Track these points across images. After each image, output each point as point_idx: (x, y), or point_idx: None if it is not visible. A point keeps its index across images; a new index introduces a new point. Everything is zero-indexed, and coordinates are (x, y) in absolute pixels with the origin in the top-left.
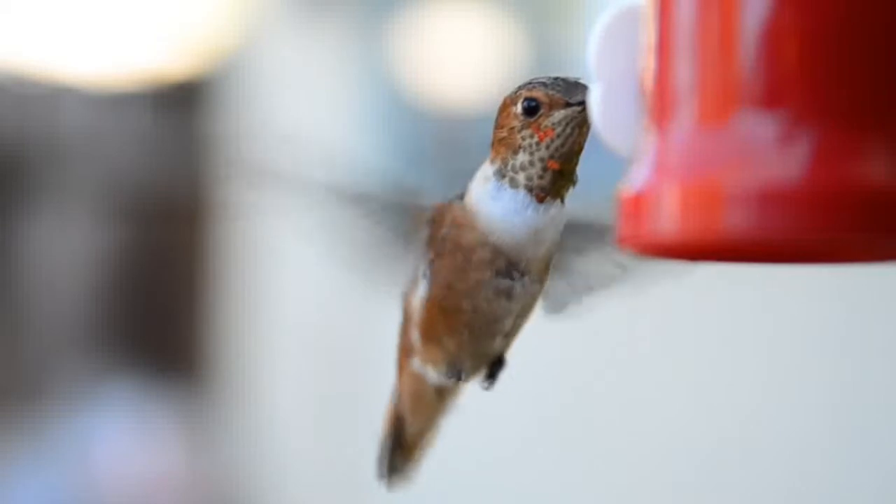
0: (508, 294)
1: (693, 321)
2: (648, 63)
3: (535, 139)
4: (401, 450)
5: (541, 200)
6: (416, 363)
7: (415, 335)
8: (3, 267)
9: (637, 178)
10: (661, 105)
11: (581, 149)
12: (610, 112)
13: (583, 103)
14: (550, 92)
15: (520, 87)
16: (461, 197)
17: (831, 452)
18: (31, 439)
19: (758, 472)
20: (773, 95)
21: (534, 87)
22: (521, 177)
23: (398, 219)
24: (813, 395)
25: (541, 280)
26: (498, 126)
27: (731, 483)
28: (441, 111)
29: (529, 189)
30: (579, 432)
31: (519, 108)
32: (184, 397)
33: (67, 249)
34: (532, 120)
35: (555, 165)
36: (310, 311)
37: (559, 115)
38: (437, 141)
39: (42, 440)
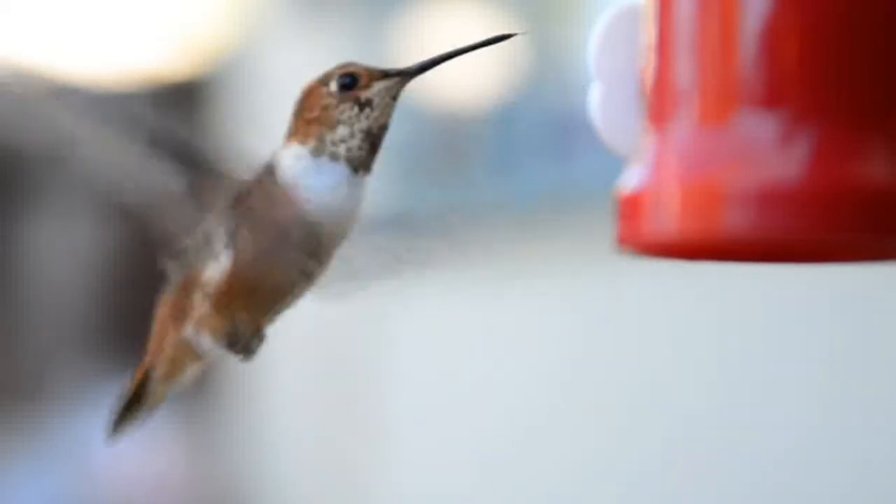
0: (308, 273)
1: (692, 320)
2: (648, 63)
3: (355, 111)
4: (137, 405)
5: (356, 173)
6: (190, 330)
7: (201, 304)
8: (3, 267)
9: (636, 177)
10: (660, 105)
11: (388, 124)
12: (610, 112)
13: (399, 74)
14: (366, 67)
15: (330, 70)
16: (269, 173)
17: (830, 452)
18: (31, 439)
19: (757, 471)
20: (773, 95)
21: (347, 65)
22: (341, 149)
23: (198, 183)
24: (812, 393)
25: (328, 261)
26: (305, 108)
27: (730, 482)
28: (441, 111)
29: (349, 161)
30: (573, 430)
31: (334, 85)
32: (183, 398)
33: (67, 249)
34: (350, 93)
35: (373, 137)
36: (309, 311)
37: (379, 85)
38: (437, 141)
39: (42, 440)
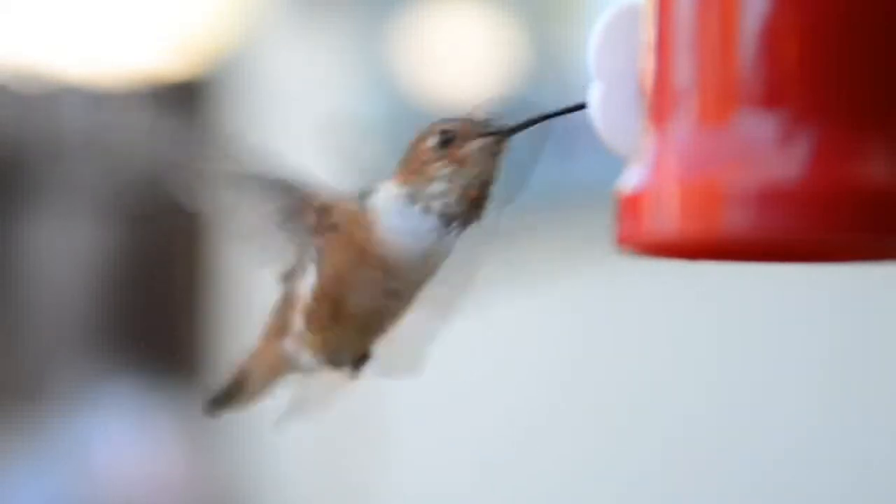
0: (397, 296)
1: (691, 320)
2: (648, 62)
3: (452, 168)
4: (229, 402)
5: (447, 227)
6: (289, 345)
7: (297, 319)
8: (3, 267)
9: (636, 177)
10: (660, 105)
11: (495, 178)
12: (609, 112)
13: (495, 133)
14: (464, 123)
15: (433, 124)
16: (361, 197)
17: (830, 452)
18: (31, 439)
19: (757, 471)
20: (772, 95)
21: (445, 122)
22: (436, 204)
23: (286, 201)
24: (812, 393)
25: (423, 286)
26: (409, 158)
27: (730, 482)
28: (441, 111)
29: (443, 215)
30: (573, 430)
31: (434, 141)
32: (184, 398)
33: (67, 249)
34: (447, 151)
35: (472, 193)
36: None
37: (476, 143)
38: None
39: (42, 440)
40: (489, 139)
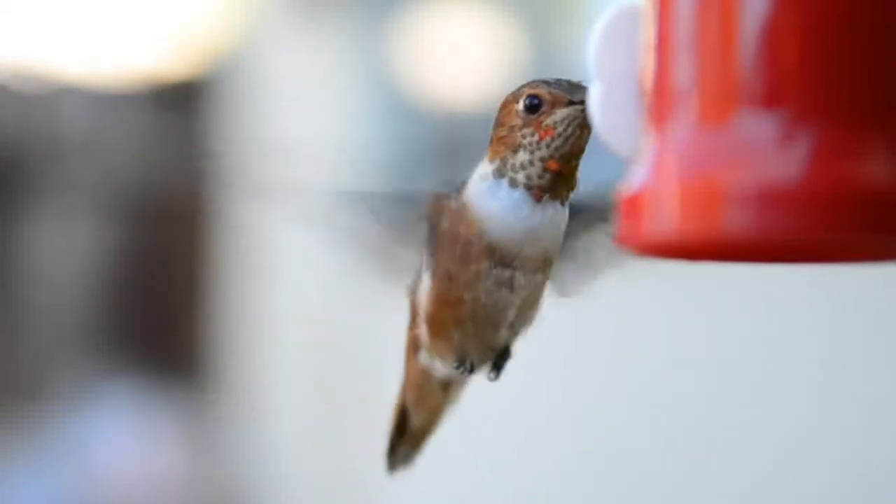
0: (510, 285)
1: (691, 320)
2: (648, 63)
3: (536, 137)
4: (403, 440)
5: (538, 200)
6: (424, 356)
7: (422, 328)
8: (3, 267)
9: (636, 177)
10: (660, 105)
11: (582, 150)
12: (609, 112)
13: (584, 102)
14: (553, 90)
15: (523, 86)
16: (458, 191)
17: (830, 452)
18: (31, 439)
19: (757, 471)
20: (772, 95)
21: (537, 84)
22: (520, 176)
23: (396, 214)
24: (812, 393)
25: (544, 271)
26: (498, 124)
27: (731, 482)
28: (441, 111)
29: (528, 188)
30: (575, 429)
31: (521, 105)
32: (184, 397)
33: (67, 249)
34: (534, 117)
35: (554, 166)
36: (310, 311)
37: (561, 113)
38: (438, 140)
39: (42, 440)
40: (576, 108)
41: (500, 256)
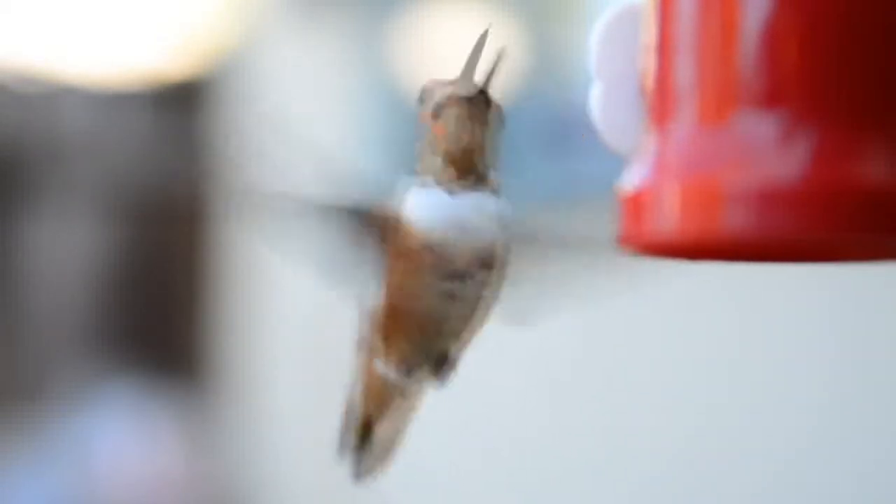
0: (451, 296)
1: (692, 320)
2: (648, 63)
3: (433, 134)
4: (368, 452)
5: (451, 194)
6: (380, 365)
7: (375, 336)
8: (3, 266)
9: (637, 177)
10: (661, 105)
11: (478, 143)
12: (610, 112)
13: (468, 96)
14: (444, 88)
15: (420, 88)
16: (400, 199)
17: (829, 450)
18: (31, 439)
19: (764, 470)
20: (772, 95)
21: (430, 83)
22: (429, 178)
23: (353, 225)
24: (811, 393)
25: (486, 282)
26: (417, 126)
27: (732, 481)
28: None
29: (439, 184)
30: (579, 426)
31: (422, 105)
32: (183, 397)
33: (67, 249)
34: (426, 113)
35: (453, 160)
36: (309, 311)
37: (452, 109)
38: None
39: (42, 440)
40: (463, 102)
41: (444, 266)
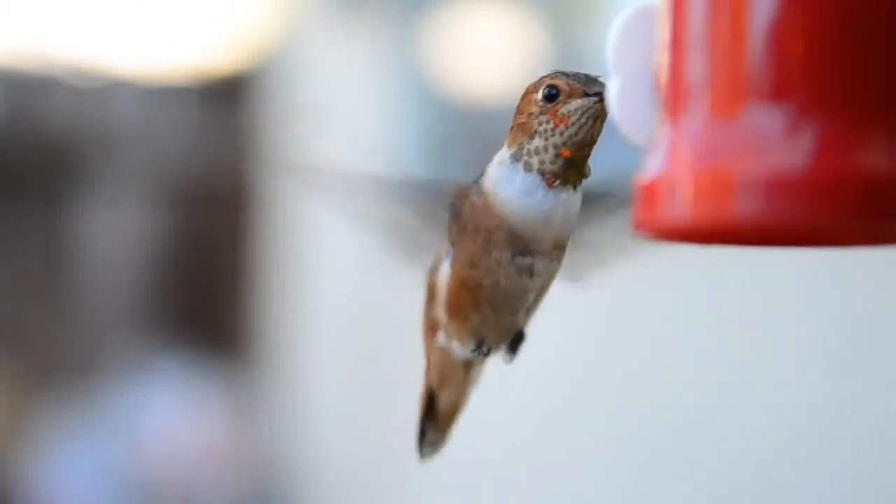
0: (529, 271)
1: (697, 310)
2: (663, 59)
3: (551, 125)
4: (432, 423)
5: (551, 185)
6: (442, 338)
7: (440, 311)
8: (60, 250)
9: (652, 166)
10: (674, 98)
11: (594, 140)
12: (627, 105)
13: (599, 95)
14: (571, 81)
15: (543, 76)
16: (478, 181)
17: (831, 445)
18: (86, 412)
19: (765, 464)
20: (780, 89)
21: (556, 76)
22: (534, 160)
23: (421, 202)
24: (815, 384)
25: (559, 258)
26: (518, 112)
27: (734, 481)
28: (469, 103)
29: (541, 173)
30: (594, 415)
31: (540, 94)
32: (228, 373)
33: (120, 233)
34: (550, 106)
35: (567, 153)
36: (347, 290)
37: (576, 103)
38: (466, 131)
39: (95, 413)
40: (592, 100)
41: (520, 243)
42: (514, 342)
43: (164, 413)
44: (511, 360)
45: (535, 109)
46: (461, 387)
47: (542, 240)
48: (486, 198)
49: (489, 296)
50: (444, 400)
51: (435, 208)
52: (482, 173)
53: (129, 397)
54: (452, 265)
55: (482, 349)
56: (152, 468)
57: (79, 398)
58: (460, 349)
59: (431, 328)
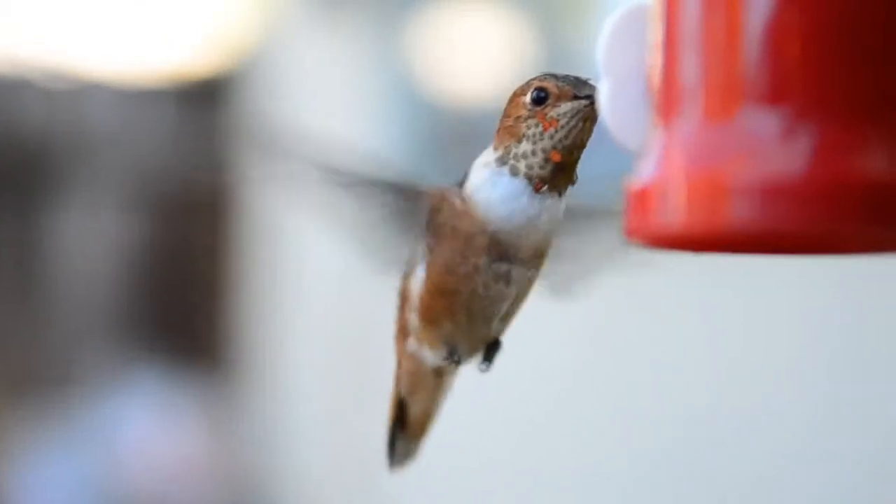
0: (506, 279)
1: (691, 315)
2: (656, 61)
3: (540, 128)
4: (403, 431)
5: (538, 190)
6: (413, 344)
7: (412, 317)
8: (32, 258)
9: (644, 171)
10: (667, 101)
11: (584, 144)
12: (618, 108)
13: (590, 98)
14: (560, 84)
15: (532, 79)
16: (460, 184)
17: (829, 445)
18: (60, 424)
19: (762, 463)
20: (775, 92)
21: (546, 78)
22: (521, 165)
23: (398, 203)
24: (812, 386)
25: (537, 266)
26: (505, 115)
27: (735, 481)
28: (455, 105)
29: (529, 178)
30: (583, 422)
31: (528, 97)
32: (206, 384)
33: (94, 240)
34: (539, 109)
35: (556, 157)
36: (328, 299)
37: (566, 106)
38: (452, 134)
39: (70, 425)
40: (582, 103)
41: (500, 250)
42: (490, 351)
43: (140, 424)
44: (487, 368)
45: (523, 112)
46: (432, 395)
47: (523, 247)
48: (467, 201)
49: (464, 302)
50: (414, 408)
51: (413, 211)
52: (464, 177)
53: (106, 408)
54: (427, 269)
55: (453, 357)
56: (129, 480)
57: (54, 409)
58: (432, 356)
59: (402, 334)
